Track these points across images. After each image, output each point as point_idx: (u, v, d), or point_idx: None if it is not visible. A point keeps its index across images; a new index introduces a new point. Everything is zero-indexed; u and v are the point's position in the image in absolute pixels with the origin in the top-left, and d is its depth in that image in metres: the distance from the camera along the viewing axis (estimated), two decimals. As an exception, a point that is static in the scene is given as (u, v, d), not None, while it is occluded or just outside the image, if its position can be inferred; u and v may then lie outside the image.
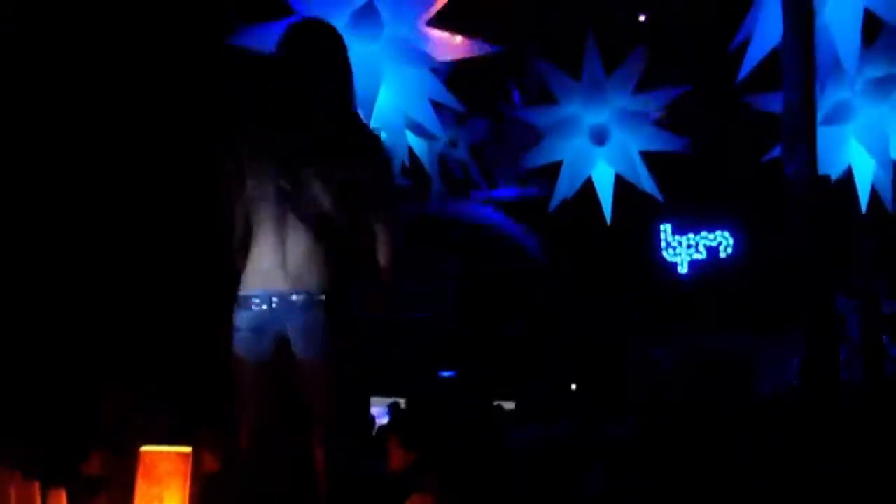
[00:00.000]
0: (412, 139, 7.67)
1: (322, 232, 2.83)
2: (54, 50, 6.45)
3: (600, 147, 9.15)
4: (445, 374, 12.68)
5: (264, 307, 2.83)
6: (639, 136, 9.25)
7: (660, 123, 9.41)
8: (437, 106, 7.36)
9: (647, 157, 9.40)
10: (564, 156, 9.39)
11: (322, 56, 2.94)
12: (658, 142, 9.31)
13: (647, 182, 9.33)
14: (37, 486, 3.30)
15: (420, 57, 6.86)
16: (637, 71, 8.97)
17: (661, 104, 9.22)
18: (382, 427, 6.57)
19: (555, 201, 9.47)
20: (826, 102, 7.22)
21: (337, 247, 2.85)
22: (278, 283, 2.82)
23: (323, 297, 2.81)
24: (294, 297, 2.81)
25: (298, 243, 2.83)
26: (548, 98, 9.34)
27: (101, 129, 6.72)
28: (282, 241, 2.84)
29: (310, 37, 2.98)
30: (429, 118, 7.29)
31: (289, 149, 2.85)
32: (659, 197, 9.37)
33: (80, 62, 6.55)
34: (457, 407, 8.51)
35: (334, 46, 3.00)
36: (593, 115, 9.17)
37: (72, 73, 6.55)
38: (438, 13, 6.92)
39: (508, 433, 6.63)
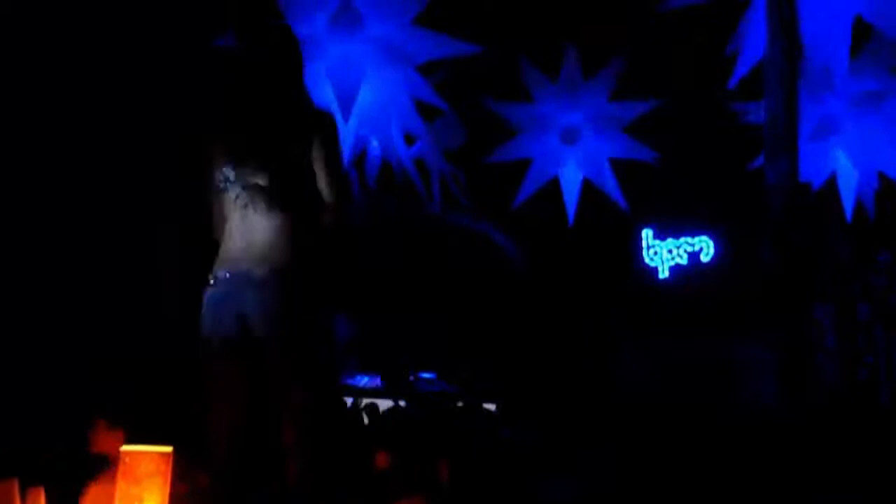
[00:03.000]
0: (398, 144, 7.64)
1: (285, 212, 2.91)
2: (44, 49, 6.41)
3: (571, 147, 9.19)
4: (424, 375, 12.68)
5: (224, 283, 2.92)
6: (610, 143, 9.31)
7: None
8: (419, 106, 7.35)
9: (627, 160, 9.46)
10: (534, 154, 9.44)
11: (266, 46, 3.02)
12: (628, 150, 9.37)
13: (612, 189, 9.39)
14: (15, 484, 3.28)
15: (402, 56, 6.85)
16: (614, 79, 9.01)
17: (634, 114, 9.24)
18: (364, 428, 6.58)
19: (520, 198, 9.53)
20: (813, 116, 7.30)
21: (299, 226, 2.93)
22: (243, 266, 2.91)
23: (280, 272, 2.87)
24: (252, 272, 2.88)
25: (263, 226, 2.90)
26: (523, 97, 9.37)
27: (77, 127, 6.69)
28: (248, 227, 2.91)
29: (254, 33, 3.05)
30: (412, 118, 7.29)
31: (244, 136, 2.95)
32: (623, 205, 9.44)
33: (68, 61, 6.52)
34: (444, 409, 8.52)
35: (275, 36, 3.06)
36: (566, 117, 9.22)
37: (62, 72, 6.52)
38: (422, 13, 6.92)
39: (494, 435, 6.65)
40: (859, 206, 8.29)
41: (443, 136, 9.38)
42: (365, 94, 6.91)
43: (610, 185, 9.39)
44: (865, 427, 5.83)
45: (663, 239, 13.96)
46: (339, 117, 6.73)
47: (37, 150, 6.54)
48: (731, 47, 7.34)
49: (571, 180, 9.46)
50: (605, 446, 5.79)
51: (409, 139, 8.40)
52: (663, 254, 13.96)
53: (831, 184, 8.28)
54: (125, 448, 3.02)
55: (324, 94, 6.65)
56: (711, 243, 13.76)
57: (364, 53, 6.69)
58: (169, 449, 3.05)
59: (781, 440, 5.25)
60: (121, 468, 2.94)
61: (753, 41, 6.96)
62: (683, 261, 13.88)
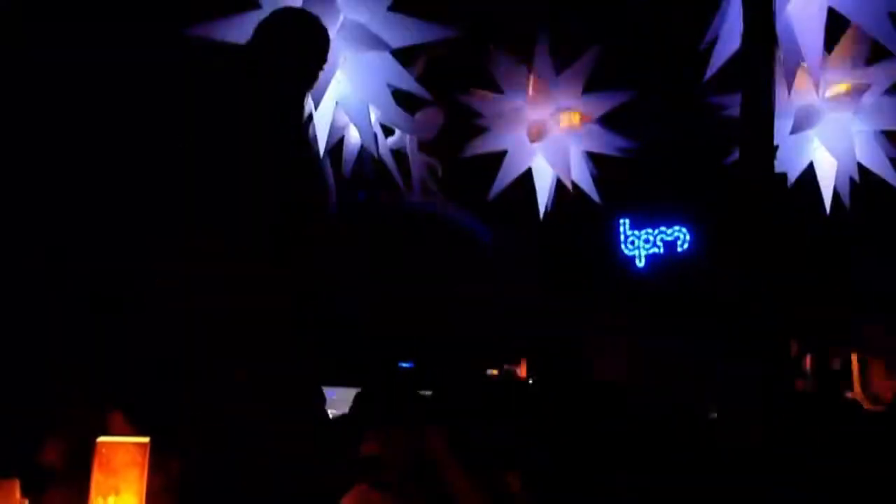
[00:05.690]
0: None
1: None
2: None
3: (538, 143, 9.22)
4: (404, 364, 12.67)
5: None
6: (580, 136, 9.33)
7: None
8: (398, 94, 7.31)
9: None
10: (507, 146, 9.48)
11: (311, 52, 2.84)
12: (601, 143, 9.37)
13: (584, 182, 9.40)
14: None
15: (378, 42, 6.77)
16: (586, 72, 9.02)
17: (608, 107, 9.24)
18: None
19: (494, 190, 9.57)
20: (789, 108, 7.34)
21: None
22: None
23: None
24: None
25: None
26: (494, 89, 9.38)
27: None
28: None
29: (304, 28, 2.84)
30: (389, 106, 7.24)
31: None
32: (596, 198, 9.47)
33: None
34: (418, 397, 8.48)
35: (324, 44, 2.87)
36: (536, 112, 9.24)
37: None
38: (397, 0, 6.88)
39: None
40: (836, 198, 8.34)
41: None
42: (342, 81, 6.86)
43: (581, 178, 9.40)
44: (839, 418, 5.89)
45: (641, 228, 14.03)
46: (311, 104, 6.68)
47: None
48: (707, 41, 7.37)
49: (543, 172, 9.48)
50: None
51: (387, 129, 8.38)
52: (640, 243, 14.04)
53: (809, 176, 8.34)
54: (102, 439, 3.00)
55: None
56: (687, 234, 13.85)
57: (339, 39, 6.61)
58: (146, 440, 3.04)
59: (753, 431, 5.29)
60: (97, 459, 2.93)
61: (729, 34, 6.99)
62: (660, 250, 13.97)
